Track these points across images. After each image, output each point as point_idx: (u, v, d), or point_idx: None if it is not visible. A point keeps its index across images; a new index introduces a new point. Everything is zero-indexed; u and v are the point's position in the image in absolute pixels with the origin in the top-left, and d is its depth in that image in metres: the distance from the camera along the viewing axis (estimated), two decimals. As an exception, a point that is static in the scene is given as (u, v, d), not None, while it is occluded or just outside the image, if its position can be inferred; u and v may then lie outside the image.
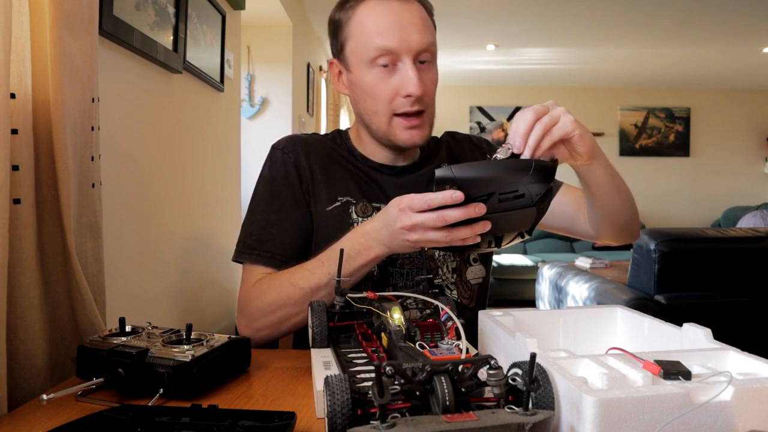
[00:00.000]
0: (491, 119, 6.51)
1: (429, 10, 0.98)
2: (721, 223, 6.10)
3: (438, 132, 1.14)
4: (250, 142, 3.26)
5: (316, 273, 0.88)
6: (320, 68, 4.59)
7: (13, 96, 0.75)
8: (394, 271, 1.00)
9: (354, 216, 0.99)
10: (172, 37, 1.69)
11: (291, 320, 0.93)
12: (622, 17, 4.06)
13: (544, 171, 0.73)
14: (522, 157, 0.74)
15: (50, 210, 0.82)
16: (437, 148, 1.11)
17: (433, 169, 1.07)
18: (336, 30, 1.00)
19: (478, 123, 6.51)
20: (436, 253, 1.03)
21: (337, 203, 1.00)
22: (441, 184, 0.72)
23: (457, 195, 0.71)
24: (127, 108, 1.47)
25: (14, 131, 0.74)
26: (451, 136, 1.16)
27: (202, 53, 1.98)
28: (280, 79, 3.50)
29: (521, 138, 0.73)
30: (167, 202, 1.75)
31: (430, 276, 0.99)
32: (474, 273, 1.07)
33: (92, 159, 0.91)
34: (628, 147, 6.58)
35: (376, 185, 1.03)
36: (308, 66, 4.03)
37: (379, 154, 1.04)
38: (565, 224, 1.10)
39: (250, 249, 0.99)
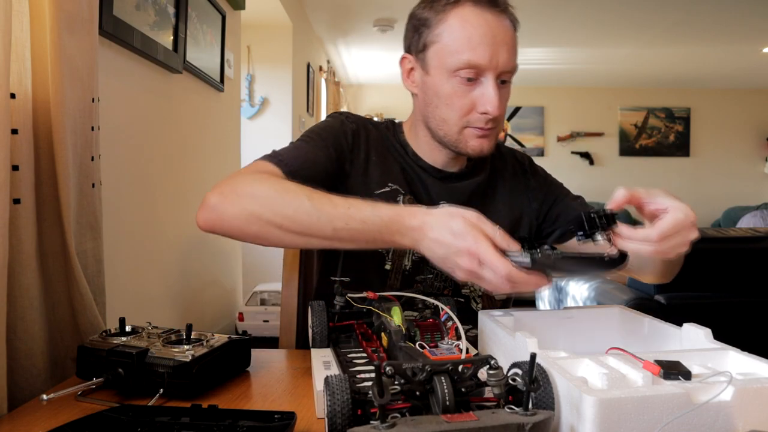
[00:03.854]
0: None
1: (516, 27, 0.96)
2: (721, 223, 6.09)
3: None
4: (250, 142, 3.26)
5: (338, 208, 0.75)
6: (320, 68, 4.59)
7: (13, 96, 0.75)
8: (425, 268, 0.99)
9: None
10: (172, 37, 1.69)
11: (270, 226, 0.77)
12: (622, 17, 4.06)
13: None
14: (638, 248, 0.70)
15: (50, 210, 0.82)
16: (482, 159, 1.07)
17: (480, 180, 1.02)
18: (420, 27, 0.94)
19: (478, 123, 6.52)
20: None
21: (387, 189, 0.98)
22: (536, 266, 0.65)
23: (543, 283, 0.68)
24: (127, 108, 1.47)
25: (14, 131, 0.74)
26: (496, 147, 1.12)
27: (202, 53, 1.98)
28: (280, 79, 3.50)
29: (659, 236, 0.69)
30: (167, 202, 1.75)
31: (431, 275, 0.99)
32: None
33: (92, 159, 0.91)
34: (628, 147, 6.58)
35: (422, 185, 1.01)
36: (308, 66, 4.03)
37: (431, 155, 1.01)
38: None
39: (268, 155, 0.90)
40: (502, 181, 1.07)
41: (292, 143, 0.95)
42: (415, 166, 1.02)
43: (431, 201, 0.99)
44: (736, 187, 6.58)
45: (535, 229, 1.07)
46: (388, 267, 0.96)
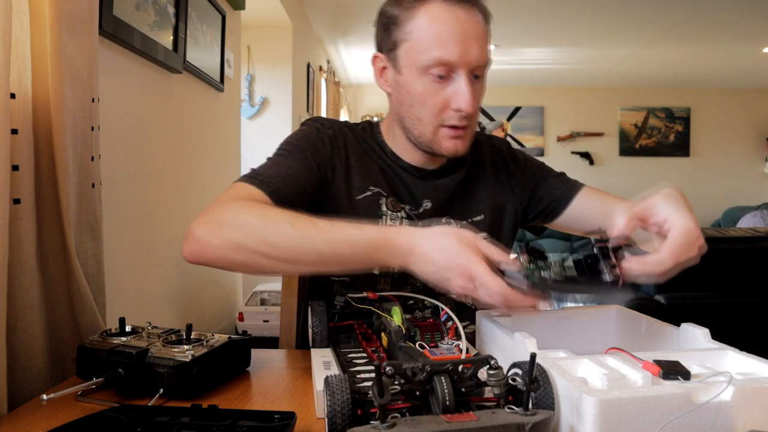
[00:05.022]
0: (491, 119, 6.50)
1: (488, 19, 0.93)
2: (721, 223, 6.10)
3: None
4: (250, 142, 3.26)
5: (322, 233, 0.73)
6: (320, 68, 4.59)
7: (13, 96, 0.75)
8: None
9: (384, 208, 0.96)
10: (172, 37, 1.69)
11: (255, 255, 0.75)
12: (622, 17, 4.06)
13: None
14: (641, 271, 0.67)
15: (50, 210, 0.82)
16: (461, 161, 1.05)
17: (461, 175, 1.00)
18: (390, 25, 0.93)
19: (478, 123, 6.52)
20: None
21: (368, 193, 0.97)
22: (532, 287, 0.64)
23: (541, 305, 0.67)
24: (127, 108, 1.47)
25: (14, 131, 0.74)
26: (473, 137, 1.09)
27: (202, 53, 1.98)
28: (280, 79, 3.50)
29: (674, 262, 0.67)
30: (167, 202, 1.75)
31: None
32: None
33: (92, 159, 0.91)
34: (628, 147, 6.58)
35: (404, 186, 1.00)
36: (308, 66, 4.03)
37: (409, 155, 1.00)
38: (592, 229, 1.07)
39: (248, 176, 0.90)
40: (482, 173, 1.06)
41: (269, 158, 0.94)
42: (395, 167, 1.00)
43: (414, 201, 0.99)
44: (736, 187, 6.58)
45: (521, 215, 1.06)
46: (376, 272, 0.95)
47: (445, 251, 0.68)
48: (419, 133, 0.94)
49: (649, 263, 0.66)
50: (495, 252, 0.67)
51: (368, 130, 1.05)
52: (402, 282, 0.96)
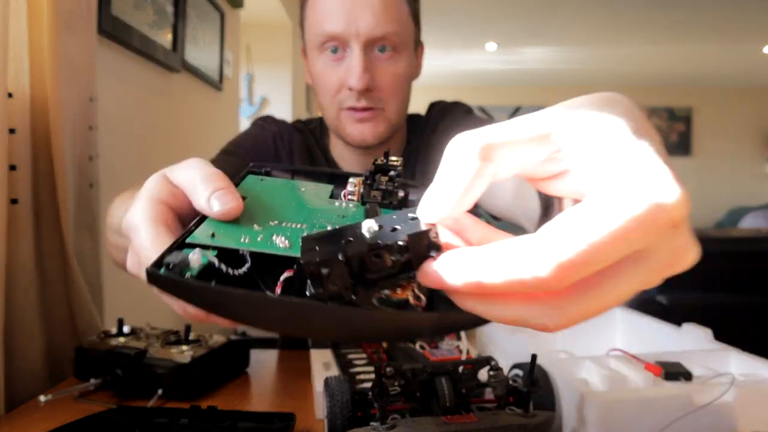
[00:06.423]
0: (491, 119, 6.52)
1: None
2: (725, 223, 6.09)
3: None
4: (250, 141, 3.26)
5: (120, 208, 0.59)
6: (320, 68, 4.59)
7: (10, 95, 0.75)
8: None
9: None
10: (170, 36, 1.69)
11: (108, 246, 0.67)
12: (622, 17, 4.06)
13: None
14: None
15: (48, 210, 0.81)
16: (410, 156, 0.95)
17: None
18: (300, 15, 0.89)
19: (479, 123, 6.53)
20: None
21: None
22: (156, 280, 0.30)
23: (193, 312, 0.35)
24: (126, 108, 1.47)
25: (12, 131, 0.74)
26: (431, 128, 0.96)
27: (201, 52, 1.98)
28: (279, 79, 3.49)
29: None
30: (167, 202, 1.75)
31: None
32: None
33: (90, 159, 0.91)
34: (629, 146, 6.59)
35: None
36: (308, 66, 4.03)
37: (347, 158, 0.93)
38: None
39: None
40: (431, 169, 0.96)
41: (211, 159, 0.92)
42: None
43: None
44: (739, 187, 6.58)
45: None
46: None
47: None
48: (328, 121, 0.88)
49: (489, 268, 0.23)
50: (212, 183, 0.36)
51: (317, 130, 1.00)
52: None
